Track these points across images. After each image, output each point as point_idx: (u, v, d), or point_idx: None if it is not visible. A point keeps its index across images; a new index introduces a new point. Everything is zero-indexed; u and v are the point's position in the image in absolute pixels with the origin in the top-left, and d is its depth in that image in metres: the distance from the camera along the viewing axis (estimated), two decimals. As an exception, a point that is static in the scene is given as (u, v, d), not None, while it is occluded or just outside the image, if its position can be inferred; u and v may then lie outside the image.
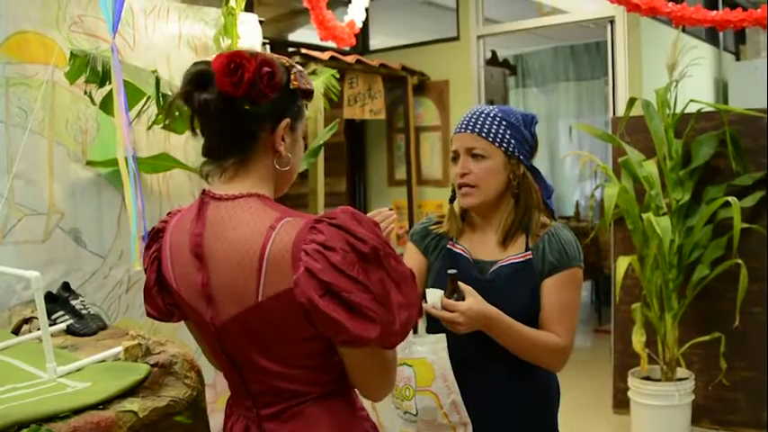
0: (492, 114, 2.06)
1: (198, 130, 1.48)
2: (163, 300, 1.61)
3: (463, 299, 1.88)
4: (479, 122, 2.04)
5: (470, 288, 1.91)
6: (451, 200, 2.17)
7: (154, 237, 1.62)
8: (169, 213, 1.64)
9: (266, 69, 1.40)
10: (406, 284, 1.36)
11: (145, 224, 2.65)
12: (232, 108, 1.40)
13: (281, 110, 1.46)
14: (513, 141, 2.03)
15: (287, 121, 1.47)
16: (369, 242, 1.32)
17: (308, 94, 1.52)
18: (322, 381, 1.45)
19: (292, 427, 1.46)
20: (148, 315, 1.69)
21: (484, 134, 2.03)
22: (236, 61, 1.38)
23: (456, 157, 2.08)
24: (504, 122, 2.04)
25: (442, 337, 1.98)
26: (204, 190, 1.49)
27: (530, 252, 2.03)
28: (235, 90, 1.38)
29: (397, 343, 1.36)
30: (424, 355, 2.00)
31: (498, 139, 2.02)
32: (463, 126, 2.07)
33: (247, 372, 1.49)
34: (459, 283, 1.91)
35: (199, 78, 1.42)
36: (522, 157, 2.05)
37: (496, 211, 2.08)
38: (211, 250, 1.43)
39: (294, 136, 1.51)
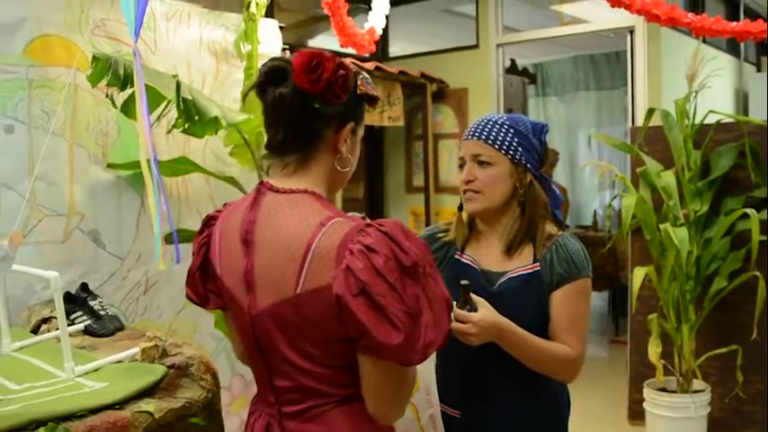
0: (500, 122, 2.06)
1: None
2: (203, 285, 1.65)
3: (476, 310, 1.87)
4: (486, 130, 2.05)
5: (482, 299, 1.90)
6: (460, 207, 2.16)
7: (206, 223, 1.67)
8: (225, 204, 1.68)
9: (342, 72, 1.46)
10: (440, 307, 1.37)
11: (172, 226, 2.66)
12: (304, 105, 1.46)
13: (347, 113, 1.52)
14: (520, 149, 2.03)
15: (351, 124, 1.53)
16: (412, 256, 1.35)
17: (374, 101, 1.56)
18: (348, 384, 1.46)
19: (313, 428, 1.47)
20: (187, 297, 1.72)
21: (491, 141, 2.03)
22: (317, 59, 1.43)
23: (463, 164, 2.09)
24: (511, 130, 2.04)
25: None
26: (262, 181, 1.55)
27: (538, 263, 2.02)
28: (312, 87, 1.43)
29: (416, 361, 1.35)
30: None
31: (505, 147, 2.02)
32: (471, 133, 2.08)
33: (275, 365, 1.50)
34: (472, 294, 1.90)
35: (275, 73, 1.48)
36: (529, 165, 2.04)
37: (502, 220, 2.07)
38: (260, 238, 1.47)
39: (354, 139, 1.57)
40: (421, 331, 1.33)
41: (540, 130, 2.10)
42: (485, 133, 2.04)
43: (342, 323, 1.36)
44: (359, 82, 1.52)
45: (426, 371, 1.96)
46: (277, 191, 1.49)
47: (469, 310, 1.87)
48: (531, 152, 2.05)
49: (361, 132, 1.59)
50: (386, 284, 1.32)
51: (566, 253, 2.02)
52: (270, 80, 1.48)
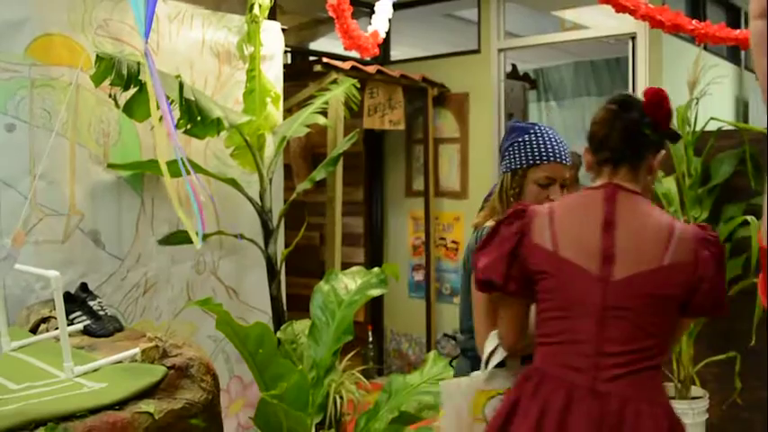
0: (563, 141, 2.33)
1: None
2: (507, 269, 1.89)
3: None
4: (566, 153, 2.31)
5: None
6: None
7: (519, 214, 1.92)
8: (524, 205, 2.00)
9: (670, 107, 1.90)
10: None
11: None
12: (640, 130, 1.87)
13: (662, 142, 1.94)
14: None
15: (663, 152, 1.95)
16: (722, 251, 1.87)
17: (676, 138, 1.99)
18: (660, 352, 1.81)
19: (628, 389, 1.76)
20: (482, 283, 1.93)
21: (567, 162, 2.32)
22: (662, 95, 1.90)
23: (548, 184, 2.26)
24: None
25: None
26: (609, 182, 1.89)
27: None
28: (657, 115, 1.87)
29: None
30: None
31: None
32: (562, 156, 2.30)
33: (610, 331, 1.78)
34: None
35: (625, 103, 1.91)
36: None
37: None
38: (623, 221, 1.83)
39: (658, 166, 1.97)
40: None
41: None
42: (567, 157, 2.30)
43: (689, 297, 1.80)
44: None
45: None
46: (626, 189, 1.86)
47: None
48: None
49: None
50: (723, 272, 1.85)
51: None
52: (622, 108, 1.89)
